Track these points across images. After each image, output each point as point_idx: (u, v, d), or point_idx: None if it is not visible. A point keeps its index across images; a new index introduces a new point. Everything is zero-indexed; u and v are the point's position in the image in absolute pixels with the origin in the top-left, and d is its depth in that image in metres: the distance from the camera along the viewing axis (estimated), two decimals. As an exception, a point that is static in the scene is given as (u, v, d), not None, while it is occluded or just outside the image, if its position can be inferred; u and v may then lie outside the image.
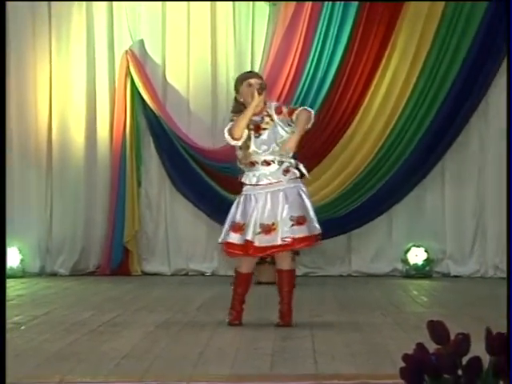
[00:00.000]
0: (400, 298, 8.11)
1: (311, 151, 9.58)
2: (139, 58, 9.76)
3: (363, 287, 8.85)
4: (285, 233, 5.87)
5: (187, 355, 4.95)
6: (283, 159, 5.96)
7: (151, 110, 9.72)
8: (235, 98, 6.08)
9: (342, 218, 9.64)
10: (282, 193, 5.92)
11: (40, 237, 9.82)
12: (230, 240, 5.94)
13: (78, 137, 9.81)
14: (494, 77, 9.62)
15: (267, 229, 5.87)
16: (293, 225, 5.88)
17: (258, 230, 5.86)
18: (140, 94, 9.73)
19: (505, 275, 9.70)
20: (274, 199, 5.90)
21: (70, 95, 9.81)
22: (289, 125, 5.93)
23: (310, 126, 5.98)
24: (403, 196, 9.73)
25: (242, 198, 5.97)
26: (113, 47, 9.78)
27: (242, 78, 6.08)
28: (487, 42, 9.46)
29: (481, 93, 9.61)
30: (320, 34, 9.50)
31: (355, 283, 9.19)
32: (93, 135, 9.80)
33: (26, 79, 9.78)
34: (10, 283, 9.05)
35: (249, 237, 5.84)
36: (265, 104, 6.00)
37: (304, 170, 6.04)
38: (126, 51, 9.73)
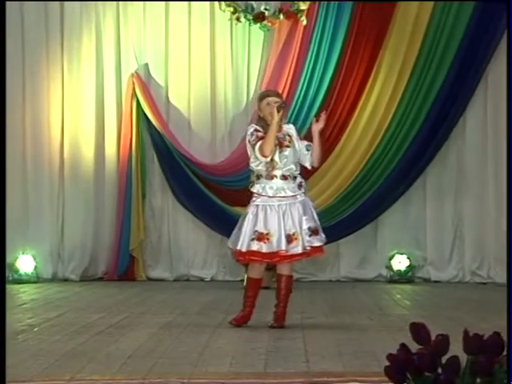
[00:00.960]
0: (384, 301, 8.10)
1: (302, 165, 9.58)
2: (144, 81, 9.76)
3: (351, 291, 8.84)
4: (306, 242, 5.96)
5: (188, 355, 4.93)
6: (296, 174, 6.08)
7: (155, 128, 9.72)
8: (257, 113, 6.21)
9: (331, 227, 9.59)
10: (299, 204, 6.01)
11: (52, 245, 9.79)
12: (255, 248, 5.92)
13: (88, 153, 9.80)
14: (471, 96, 9.63)
15: (290, 239, 5.93)
16: (310, 235, 5.98)
17: (285, 238, 5.91)
18: (145, 113, 9.72)
19: (482, 280, 9.70)
20: (293, 211, 5.97)
21: (80, 115, 9.80)
22: (307, 150, 6.12)
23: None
24: (388, 207, 9.72)
25: (258, 209, 5.97)
26: (120, 70, 9.78)
27: (262, 96, 6.19)
28: (464, 65, 9.48)
29: (458, 112, 9.62)
30: (311, 56, 9.50)
31: (343, 288, 9.17)
32: (101, 151, 9.79)
33: (40, 100, 9.77)
34: (25, 288, 9.03)
35: (283, 247, 5.89)
36: (281, 120, 6.06)
37: (305, 186, 6.18)
38: (132, 74, 9.73)
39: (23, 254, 9.60)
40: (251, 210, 5.99)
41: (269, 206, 5.96)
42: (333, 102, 9.55)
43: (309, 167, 6.22)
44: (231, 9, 9.60)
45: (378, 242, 9.85)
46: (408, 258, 9.69)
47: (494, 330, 2.64)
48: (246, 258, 6.06)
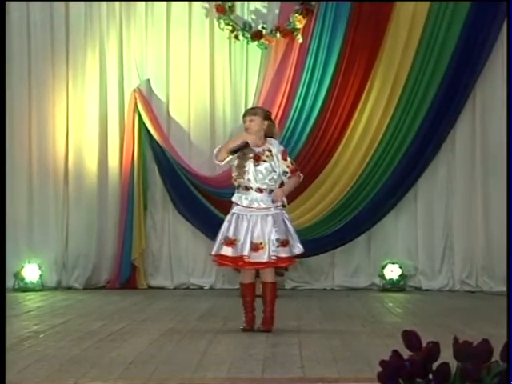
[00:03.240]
0: (377, 309, 8.09)
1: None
2: (146, 96, 9.78)
3: (345, 299, 8.83)
4: (272, 252, 6.05)
5: (188, 360, 4.93)
6: (272, 189, 6.17)
7: (156, 141, 9.73)
8: None
9: (325, 237, 9.64)
10: (270, 217, 6.11)
11: (57, 255, 9.78)
12: (223, 252, 6.11)
13: (92, 165, 9.81)
14: (460, 112, 9.66)
15: (256, 247, 6.04)
16: (278, 246, 6.07)
17: (249, 246, 6.02)
18: (146, 127, 9.74)
19: (471, 289, 9.70)
20: (263, 222, 6.08)
21: (84, 128, 9.81)
22: (284, 175, 6.18)
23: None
24: (380, 218, 9.72)
25: (233, 217, 6.15)
26: (122, 86, 9.79)
27: (242, 117, 6.42)
28: (456, 77, 9.51)
29: (448, 126, 9.64)
30: (307, 72, 9.53)
31: (337, 296, 9.17)
32: (104, 164, 9.79)
33: (45, 113, 9.78)
34: (31, 296, 9.02)
35: (245, 252, 6.02)
36: (265, 138, 6.18)
37: (285, 201, 6.26)
38: (134, 90, 9.74)
39: (29, 262, 9.59)
40: (228, 217, 6.19)
41: (245, 215, 6.11)
42: (327, 116, 9.57)
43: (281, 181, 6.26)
44: (230, 27, 9.63)
45: (371, 252, 9.85)
46: (400, 267, 9.70)
47: (483, 337, 2.64)
48: (217, 261, 6.24)
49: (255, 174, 6.11)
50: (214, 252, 6.15)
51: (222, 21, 9.64)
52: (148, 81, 9.81)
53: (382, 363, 2.57)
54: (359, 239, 9.75)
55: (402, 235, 9.85)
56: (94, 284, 9.78)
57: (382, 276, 9.71)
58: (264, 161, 6.13)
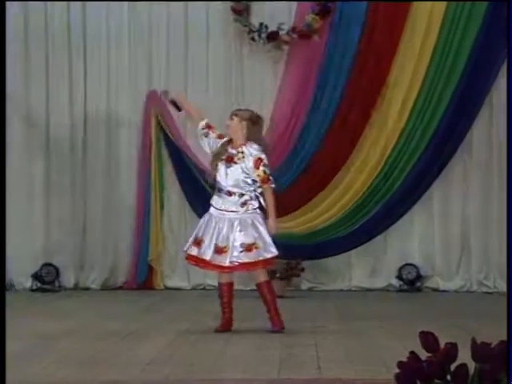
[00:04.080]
0: (394, 310, 8.06)
1: (316, 179, 9.58)
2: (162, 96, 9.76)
3: (361, 300, 8.80)
4: (234, 257, 6.02)
5: (204, 361, 4.92)
6: (244, 192, 6.07)
7: (173, 142, 9.74)
8: None
9: (342, 238, 9.61)
10: (237, 221, 6.04)
11: (75, 256, 9.80)
12: (190, 252, 6.14)
13: (108, 166, 9.82)
14: (477, 113, 9.60)
15: (220, 250, 6.03)
16: (242, 251, 6.01)
17: (213, 248, 6.02)
18: (163, 128, 9.75)
19: (488, 290, 9.64)
20: (229, 226, 6.04)
21: (99, 129, 9.80)
22: (253, 181, 6.07)
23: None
24: (397, 219, 9.69)
25: (207, 217, 6.16)
26: (139, 86, 9.78)
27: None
28: (472, 83, 9.46)
29: (464, 128, 9.59)
30: (323, 72, 9.49)
31: (354, 297, 9.14)
32: (122, 165, 9.80)
33: (61, 109, 9.77)
34: (48, 297, 9.04)
35: (207, 256, 6.03)
36: (246, 141, 6.07)
37: (263, 203, 6.12)
38: (151, 90, 9.74)
39: (47, 264, 9.62)
40: (204, 216, 6.22)
41: (215, 217, 6.10)
42: (342, 117, 9.53)
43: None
44: (246, 29, 9.62)
45: (388, 253, 9.82)
46: (417, 268, 9.66)
47: (501, 339, 2.62)
48: (187, 260, 6.27)
49: (226, 176, 6.06)
50: (185, 248, 6.22)
51: (238, 22, 9.63)
52: (166, 80, 9.81)
53: (400, 364, 2.55)
54: (376, 240, 9.72)
55: (418, 236, 9.81)
56: (111, 285, 9.79)
57: (399, 277, 9.67)
58: (235, 163, 6.05)
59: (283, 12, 9.68)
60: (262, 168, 6.05)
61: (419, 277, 9.66)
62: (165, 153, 9.82)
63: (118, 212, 9.80)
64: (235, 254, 5.99)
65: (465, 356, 2.59)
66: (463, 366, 2.53)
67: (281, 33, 9.55)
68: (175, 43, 9.80)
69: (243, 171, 6.04)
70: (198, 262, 6.16)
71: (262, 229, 6.06)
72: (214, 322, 6.85)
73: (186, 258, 6.27)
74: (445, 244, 9.78)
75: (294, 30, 9.54)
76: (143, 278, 9.66)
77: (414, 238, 9.82)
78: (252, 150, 6.07)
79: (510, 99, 9.06)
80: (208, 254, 6.02)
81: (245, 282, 9.50)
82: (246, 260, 6.02)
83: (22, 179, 9.75)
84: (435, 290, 9.72)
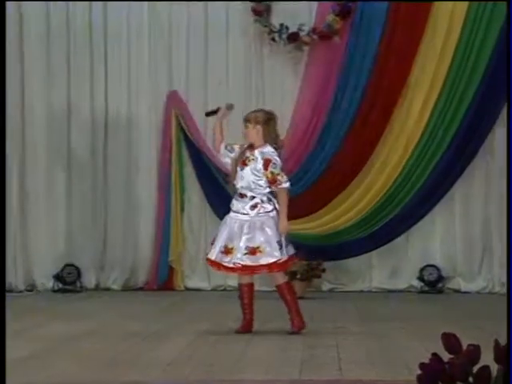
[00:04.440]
0: (415, 311, 8.03)
1: (336, 179, 9.57)
2: (183, 97, 9.78)
3: (382, 301, 8.78)
4: (237, 259, 6.05)
5: (225, 362, 4.92)
6: (255, 195, 6.10)
7: (193, 143, 9.75)
8: None
9: (363, 239, 9.58)
10: (246, 224, 6.08)
11: (96, 257, 9.83)
12: (208, 255, 6.24)
13: (130, 168, 9.85)
14: (499, 113, 9.54)
15: (226, 251, 6.09)
16: (246, 253, 6.03)
17: (221, 249, 6.09)
18: (183, 129, 9.77)
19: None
20: (238, 228, 6.09)
21: (120, 132, 9.83)
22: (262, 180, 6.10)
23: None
24: (418, 220, 9.64)
25: (224, 220, 6.26)
26: (161, 86, 9.80)
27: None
28: (493, 79, 9.40)
29: (486, 129, 9.53)
30: (342, 75, 9.47)
31: (375, 298, 9.11)
32: (142, 166, 9.83)
33: (83, 115, 9.83)
34: (69, 297, 9.08)
35: (213, 256, 6.12)
36: (264, 143, 6.10)
37: (276, 205, 6.12)
38: (171, 91, 9.75)
39: (68, 264, 9.66)
40: (224, 219, 6.29)
41: (229, 218, 6.18)
42: (364, 118, 9.51)
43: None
44: (267, 29, 9.62)
45: (409, 254, 9.78)
46: (438, 269, 9.61)
47: (525, 340, 2.59)
48: (206, 262, 6.37)
49: (239, 179, 6.12)
50: (206, 251, 6.38)
51: (259, 23, 9.63)
52: (186, 81, 9.82)
53: (422, 366, 2.54)
54: (397, 241, 9.68)
55: (440, 237, 9.76)
56: (132, 285, 9.82)
57: (420, 278, 9.62)
58: (246, 165, 6.11)
59: (304, 12, 9.66)
60: (270, 169, 6.07)
61: (441, 278, 9.61)
62: (185, 153, 9.84)
63: (138, 213, 9.83)
64: (239, 255, 6.04)
65: (488, 358, 2.57)
66: (486, 368, 2.51)
67: (301, 34, 9.53)
68: (195, 44, 9.81)
69: (253, 173, 6.09)
70: (212, 263, 6.22)
71: (272, 233, 6.05)
72: (234, 323, 6.85)
73: (206, 260, 6.35)
74: (467, 245, 9.72)
75: (314, 30, 9.52)
76: (164, 279, 9.68)
77: (436, 239, 9.77)
78: (263, 152, 6.11)
79: (511, 99, 8.97)
80: (215, 255, 6.10)
81: (268, 283, 9.50)
82: (248, 263, 6.04)
83: (45, 181, 9.79)
84: (457, 291, 9.66)
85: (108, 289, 9.77)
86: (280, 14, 9.68)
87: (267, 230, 6.06)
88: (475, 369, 2.52)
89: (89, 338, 5.94)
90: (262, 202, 6.09)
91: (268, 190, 6.10)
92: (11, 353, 5.23)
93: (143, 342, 5.78)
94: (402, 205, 9.57)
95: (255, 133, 6.12)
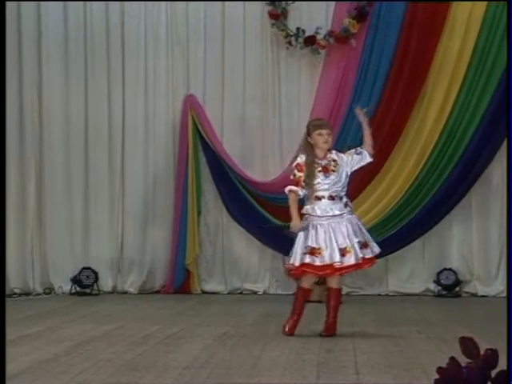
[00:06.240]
0: (432, 315, 8.00)
1: (353, 184, 9.43)
2: (200, 101, 9.80)
3: (399, 305, 8.75)
4: (359, 254, 6.23)
5: (242, 366, 4.92)
6: (342, 195, 6.37)
7: (210, 147, 9.76)
8: (306, 138, 6.42)
9: (380, 243, 9.49)
10: (345, 222, 6.30)
11: (113, 260, 9.87)
12: (308, 261, 6.19)
13: (146, 171, 9.88)
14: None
15: (343, 252, 6.21)
16: (361, 248, 6.28)
17: (338, 252, 6.19)
18: (200, 132, 9.78)
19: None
20: (342, 228, 6.27)
21: (137, 134, 9.86)
22: (358, 153, 6.49)
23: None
24: (435, 224, 9.61)
25: (309, 227, 6.27)
26: (177, 89, 9.82)
27: (316, 127, 6.42)
28: None
29: (503, 132, 9.46)
30: (359, 78, 9.47)
31: (392, 302, 9.09)
32: (159, 170, 9.85)
33: (100, 119, 9.86)
34: (87, 301, 9.11)
35: (337, 259, 6.16)
36: (329, 151, 6.40)
37: (351, 205, 6.49)
38: (188, 94, 9.78)
39: (85, 268, 9.69)
40: (304, 229, 6.27)
41: (318, 224, 6.25)
42: (379, 122, 9.48)
43: (370, 159, 6.54)
44: (283, 33, 9.62)
45: (426, 258, 9.75)
46: (455, 273, 9.58)
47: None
48: (299, 271, 6.28)
49: (326, 184, 6.29)
50: (297, 262, 6.20)
51: (275, 27, 9.63)
52: (202, 85, 9.84)
53: (440, 370, 2.53)
54: (414, 245, 9.65)
55: (457, 240, 9.72)
56: (149, 289, 9.84)
57: (437, 282, 9.59)
58: (333, 171, 6.34)
59: (320, 15, 9.66)
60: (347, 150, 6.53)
61: (458, 282, 9.58)
62: (202, 157, 9.85)
63: (155, 216, 9.85)
64: (358, 251, 6.22)
65: (506, 362, 2.56)
66: (504, 372, 2.50)
67: (318, 37, 9.53)
68: (212, 47, 9.83)
69: (339, 177, 6.35)
70: (322, 269, 6.21)
71: (363, 228, 6.43)
72: (251, 326, 6.86)
73: (301, 270, 6.23)
74: (484, 248, 9.68)
75: (330, 34, 9.52)
76: (180, 282, 9.69)
77: (453, 243, 9.74)
78: (335, 154, 6.43)
79: (511, 99, 8.93)
80: (337, 257, 6.15)
81: (285, 287, 9.49)
82: (368, 255, 6.32)
83: (62, 185, 9.83)
84: (474, 295, 9.63)
85: (125, 292, 9.80)
86: (297, 18, 9.69)
87: (360, 225, 6.44)
88: (493, 373, 2.51)
89: (106, 341, 5.95)
90: (348, 200, 6.44)
91: (346, 188, 6.42)
92: (30, 356, 5.26)
93: (160, 345, 5.79)
94: (419, 209, 9.54)
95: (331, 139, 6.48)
